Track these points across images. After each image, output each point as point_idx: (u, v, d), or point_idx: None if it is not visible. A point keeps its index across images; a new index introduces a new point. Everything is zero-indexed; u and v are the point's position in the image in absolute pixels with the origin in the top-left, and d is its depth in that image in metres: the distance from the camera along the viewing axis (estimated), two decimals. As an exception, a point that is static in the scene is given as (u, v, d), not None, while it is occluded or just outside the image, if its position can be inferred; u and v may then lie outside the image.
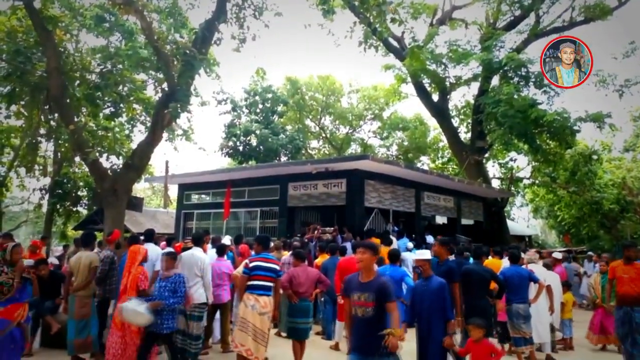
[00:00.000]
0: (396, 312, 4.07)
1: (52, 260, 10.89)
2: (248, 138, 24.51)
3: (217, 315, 7.88)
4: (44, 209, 22.33)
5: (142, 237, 7.98)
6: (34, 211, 25.22)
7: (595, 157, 23.06)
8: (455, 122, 24.05)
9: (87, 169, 16.08)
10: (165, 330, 5.82)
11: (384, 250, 8.95)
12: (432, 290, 5.14)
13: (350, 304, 4.26)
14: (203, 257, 6.92)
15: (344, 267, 7.55)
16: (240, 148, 24.56)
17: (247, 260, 6.12)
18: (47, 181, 21.18)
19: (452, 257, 11.27)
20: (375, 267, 4.60)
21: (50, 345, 7.50)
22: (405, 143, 31.27)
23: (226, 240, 9.04)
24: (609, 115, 16.87)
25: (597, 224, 26.24)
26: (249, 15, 12.42)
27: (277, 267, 6.09)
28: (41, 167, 19.50)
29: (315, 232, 11.99)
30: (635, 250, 6.97)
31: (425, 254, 5.57)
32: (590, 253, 15.15)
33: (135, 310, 5.56)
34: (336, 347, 7.77)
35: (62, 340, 6.67)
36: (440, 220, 18.59)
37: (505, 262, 9.21)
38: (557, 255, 10.25)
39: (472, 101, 21.36)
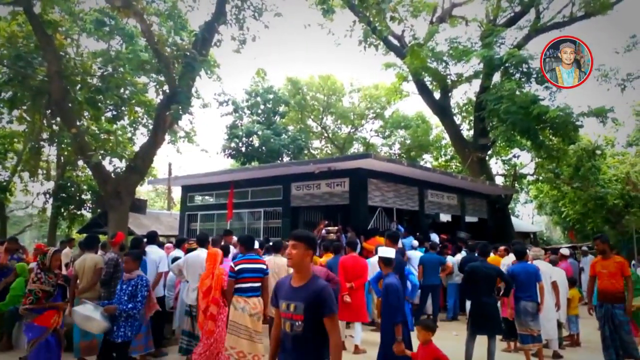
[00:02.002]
0: (336, 334, 3.01)
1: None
2: (250, 139, 24.52)
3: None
4: (48, 212, 22.41)
5: (145, 240, 7.97)
6: (38, 215, 25.36)
7: (598, 152, 22.96)
8: (457, 119, 24.01)
9: (90, 173, 16.13)
10: (118, 338, 5.25)
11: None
12: (384, 292, 5.21)
13: (278, 316, 3.27)
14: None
15: (347, 264, 7.51)
16: (243, 149, 24.57)
17: (231, 264, 6.02)
18: (50, 185, 21.29)
19: (463, 253, 11.33)
20: (314, 267, 3.62)
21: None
22: (408, 141, 31.22)
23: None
24: (611, 109, 16.79)
25: (602, 220, 26.13)
26: (248, 17, 12.46)
27: (264, 266, 6.09)
28: (44, 172, 19.55)
29: (321, 227, 11.99)
30: (601, 242, 6.60)
31: (389, 252, 5.57)
32: (584, 248, 14.94)
33: (86, 316, 5.20)
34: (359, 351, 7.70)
35: (68, 343, 6.66)
36: (444, 218, 18.53)
37: (505, 260, 9.22)
38: (565, 251, 10.18)
39: (474, 98, 21.31)
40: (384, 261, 5.48)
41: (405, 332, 5.18)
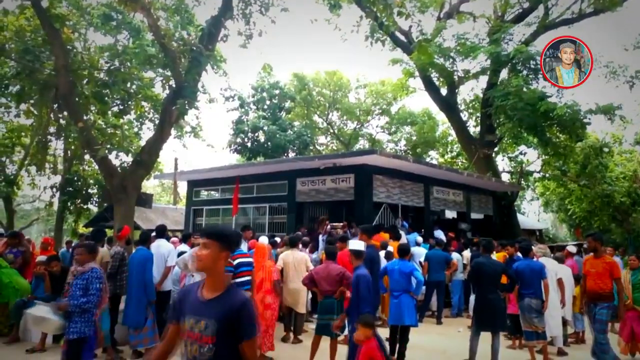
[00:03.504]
0: None
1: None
2: (256, 134, 24.53)
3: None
4: (55, 206, 22.57)
5: (153, 234, 8.02)
6: (46, 209, 25.53)
7: (606, 149, 22.82)
8: (464, 116, 23.88)
9: (96, 167, 16.21)
10: (73, 334, 4.86)
11: (393, 245, 8.94)
12: (355, 283, 5.38)
13: (174, 332, 2.57)
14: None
15: (345, 260, 7.50)
16: (249, 144, 24.59)
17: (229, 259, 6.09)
18: (57, 179, 21.43)
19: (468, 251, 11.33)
20: (228, 277, 2.83)
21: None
22: (414, 138, 31.12)
23: (264, 239, 8.59)
24: (619, 107, 16.66)
25: (609, 218, 26.01)
26: (255, 11, 12.45)
27: (252, 260, 6.35)
28: (51, 165, 19.67)
29: (324, 225, 11.99)
30: (593, 240, 6.47)
31: (359, 245, 5.67)
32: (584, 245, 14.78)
33: (39, 317, 5.00)
34: (345, 342, 7.74)
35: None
36: (450, 214, 18.47)
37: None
38: (572, 248, 10.13)
39: (481, 95, 21.20)
40: (354, 253, 5.58)
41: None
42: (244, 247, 7.40)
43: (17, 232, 9.29)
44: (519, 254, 8.68)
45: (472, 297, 8.74)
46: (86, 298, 4.88)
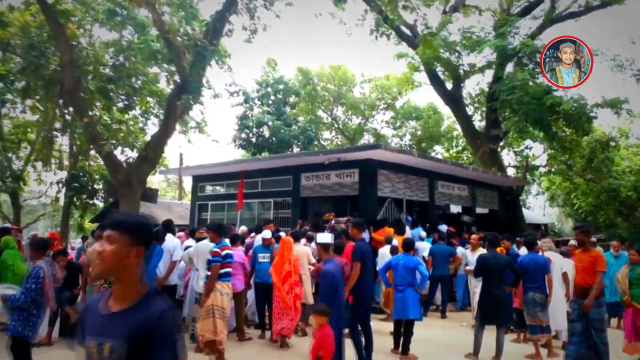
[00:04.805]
0: None
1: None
2: (261, 129, 24.55)
3: (232, 304, 7.94)
4: (61, 202, 22.68)
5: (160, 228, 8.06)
6: (52, 204, 25.64)
7: (612, 143, 22.67)
8: (469, 110, 23.78)
9: (102, 162, 16.27)
10: (8, 330, 4.61)
11: (398, 239, 8.94)
12: (320, 278, 5.55)
13: None
14: (217, 246, 6.99)
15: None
16: (253, 139, 24.61)
17: (217, 249, 6.18)
18: (63, 175, 21.51)
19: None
20: (143, 282, 1.96)
21: (70, 334, 7.64)
22: (419, 132, 31.04)
23: (267, 233, 8.40)
24: (626, 100, 16.55)
25: (615, 212, 25.87)
26: (259, 6, 12.43)
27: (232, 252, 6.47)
28: (57, 161, 19.79)
29: (331, 220, 12.04)
30: (581, 232, 6.21)
31: (327, 237, 5.77)
32: (593, 240, 14.61)
33: None
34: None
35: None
36: (455, 209, 18.45)
37: (521, 251, 9.19)
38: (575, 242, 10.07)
39: (487, 89, 21.10)
40: (322, 247, 5.68)
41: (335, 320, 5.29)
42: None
43: (6, 227, 9.03)
44: (514, 247, 8.84)
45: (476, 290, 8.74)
46: (18, 295, 4.61)
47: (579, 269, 6.13)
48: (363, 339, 6.11)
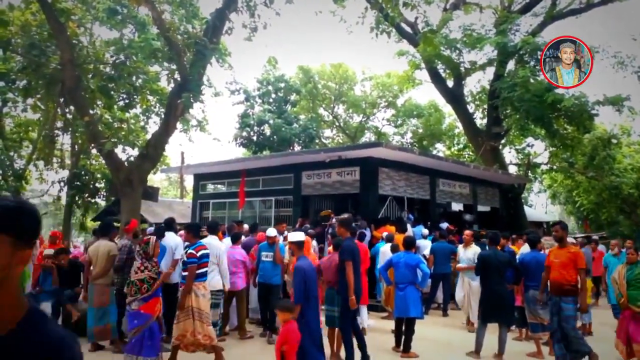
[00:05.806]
0: None
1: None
2: (262, 128, 24.54)
3: (234, 302, 7.96)
4: (63, 201, 22.71)
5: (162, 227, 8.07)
6: (54, 203, 25.66)
7: (614, 141, 22.63)
8: (470, 108, 23.75)
9: (103, 161, 16.28)
10: None
11: (399, 237, 8.94)
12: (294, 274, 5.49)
13: None
14: (219, 245, 7.00)
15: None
16: (254, 138, 24.61)
17: (192, 250, 6.02)
18: (65, 173, 21.53)
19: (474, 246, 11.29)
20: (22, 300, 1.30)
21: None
22: (420, 130, 31.01)
23: (272, 231, 8.27)
24: (628, 98, 16.51)
25: (617, 209, 25.84)
26: (259, 4, 12.39)
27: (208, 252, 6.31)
28: (59, 160, 19.76)
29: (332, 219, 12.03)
30: (560, 228, 6.14)
31: (299, 236, 5.73)
32: (595, 237, 14.55)
33: None
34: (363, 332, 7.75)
35: (82, 327, 6.79)
36: (456, 207, 18.44)
37: (522, 249, 9.18)
38: (580, 240, 10.08)
39: (488, 86, 21.07)
40: (296, 245, 5.64)
41: (311, 316, 5.29)
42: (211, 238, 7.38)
43: None
44: (509, 245, 8.87)
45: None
46: None
47: (556, 266, 6.00)
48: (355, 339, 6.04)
